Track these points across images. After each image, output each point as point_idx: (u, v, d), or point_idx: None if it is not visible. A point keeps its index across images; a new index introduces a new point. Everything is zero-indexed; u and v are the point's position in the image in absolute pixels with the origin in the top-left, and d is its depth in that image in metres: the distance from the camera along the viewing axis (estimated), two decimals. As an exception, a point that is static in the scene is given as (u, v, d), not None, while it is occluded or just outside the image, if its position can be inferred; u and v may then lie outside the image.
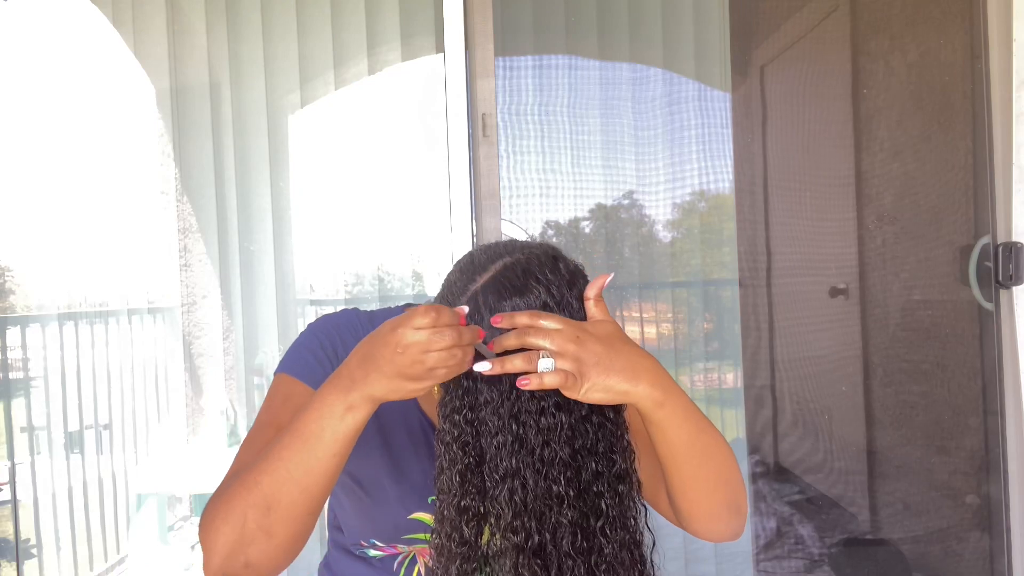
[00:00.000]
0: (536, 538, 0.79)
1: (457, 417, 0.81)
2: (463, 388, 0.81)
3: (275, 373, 0.95)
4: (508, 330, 0.78)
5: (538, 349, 0.75)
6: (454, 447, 0.81)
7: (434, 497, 0.96)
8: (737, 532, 0.92)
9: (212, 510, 0.78)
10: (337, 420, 0.75)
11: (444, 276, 0.90)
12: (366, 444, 0.98)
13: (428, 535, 0.97)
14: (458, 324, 0.74)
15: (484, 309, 0.79)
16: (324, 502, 0.79)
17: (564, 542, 0.80)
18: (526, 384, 0.74)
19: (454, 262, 0.91)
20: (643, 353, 0.80)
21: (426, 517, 0.98)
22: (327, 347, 0.95)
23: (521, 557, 0.79)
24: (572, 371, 0.75)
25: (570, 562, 0.80)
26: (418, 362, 0.72)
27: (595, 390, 0.76)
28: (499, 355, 0.77)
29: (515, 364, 0.75)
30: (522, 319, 0.77)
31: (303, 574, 2.07)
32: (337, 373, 0.77)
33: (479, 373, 0.76)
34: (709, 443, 0.85)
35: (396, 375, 0.73)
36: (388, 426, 0.99)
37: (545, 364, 0.75)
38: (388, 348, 0.72)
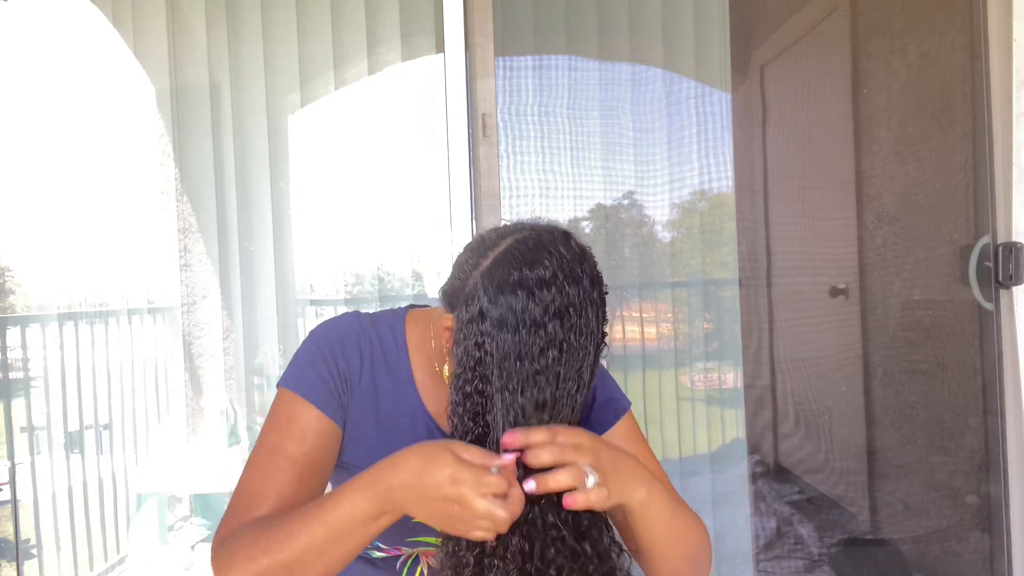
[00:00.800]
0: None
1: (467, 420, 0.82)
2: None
3: (278, 385, 0.95)
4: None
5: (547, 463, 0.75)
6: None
7: None
8: None
9: (233, 550, 0.80)
10: (370, 523, 0.76)
11: (449, 269, 0.90)
12: (370, 445, 0.97)
13: (434, 538, 0.97)
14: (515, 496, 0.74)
15: (492, 284, 0.79)
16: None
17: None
18: (573, 504, 0.75)
19: (454, 262, 0.91)
20: (625, 453, 0.84)
21: None
22: (330, 363, 0.94)
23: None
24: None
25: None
26: (465, 521, 0.72)
27: (613, 499, 0.79)
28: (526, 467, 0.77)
29: (561, 481, 0.75)
30: (538, 437, 0.76)
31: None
32: (375, 478, 0.76)
33: (525, 492, 0.75)
34: (681, 524, 0.90)
35: (437, 516, 0.73)
36: (393, 428, 0.99)
37: (591, 480, 0.75)
38: (441, 500, 0.72)
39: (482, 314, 0.80)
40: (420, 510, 0.73)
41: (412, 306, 1.07)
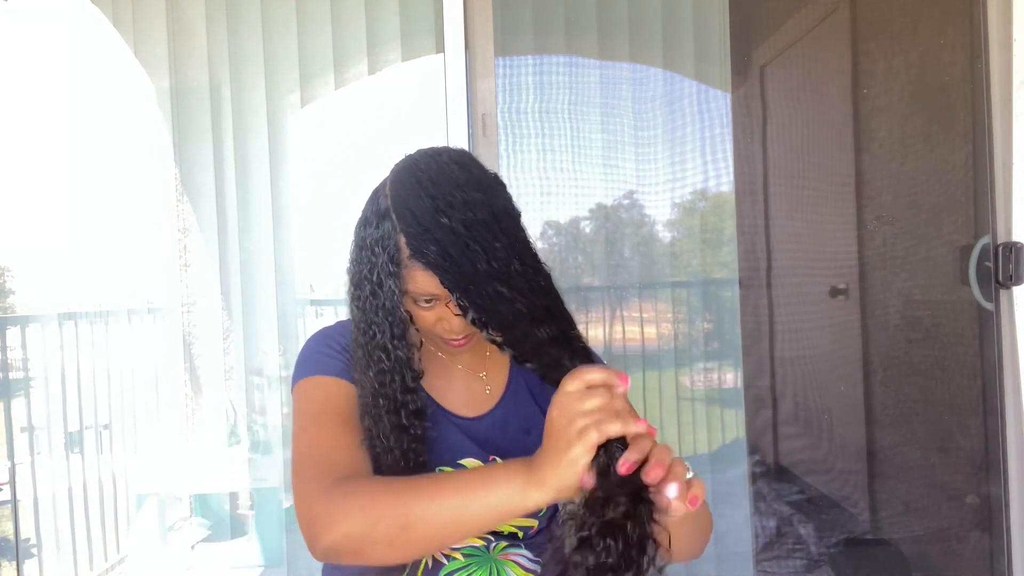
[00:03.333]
0: None
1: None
2: None
3: (293, 386, 1.01)
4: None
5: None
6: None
7: (441, 467, 1.00)
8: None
9: (347, 493, 0.82)
10: (516, 493, 0.76)
11: None
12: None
13: None
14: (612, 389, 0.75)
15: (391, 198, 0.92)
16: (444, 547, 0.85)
17: None
18: (678, 494, 0.73)
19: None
20: None
21: None
22: (332, 345, 1.02)
23: None
24: None
25: None
26: (572, 423, 0.73)
27: None
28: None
29: (678, 472, 0.74)
30: (665, 455, 0.75)
31: (305, 570, 2.07)
32: (523, 463, 0.78)
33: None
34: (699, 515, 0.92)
35: (561, 450, 0.73)
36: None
37: (691, 474, 0.75)
38: (549, 424, 0.75)
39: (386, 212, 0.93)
40: (549, 457, 0.74)
41: None
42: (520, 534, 1.05)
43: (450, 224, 0.86)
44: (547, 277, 0.89)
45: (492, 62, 1.79)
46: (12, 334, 2.22)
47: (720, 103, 2.11)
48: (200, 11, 2.09)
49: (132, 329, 2.38)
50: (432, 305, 0.94)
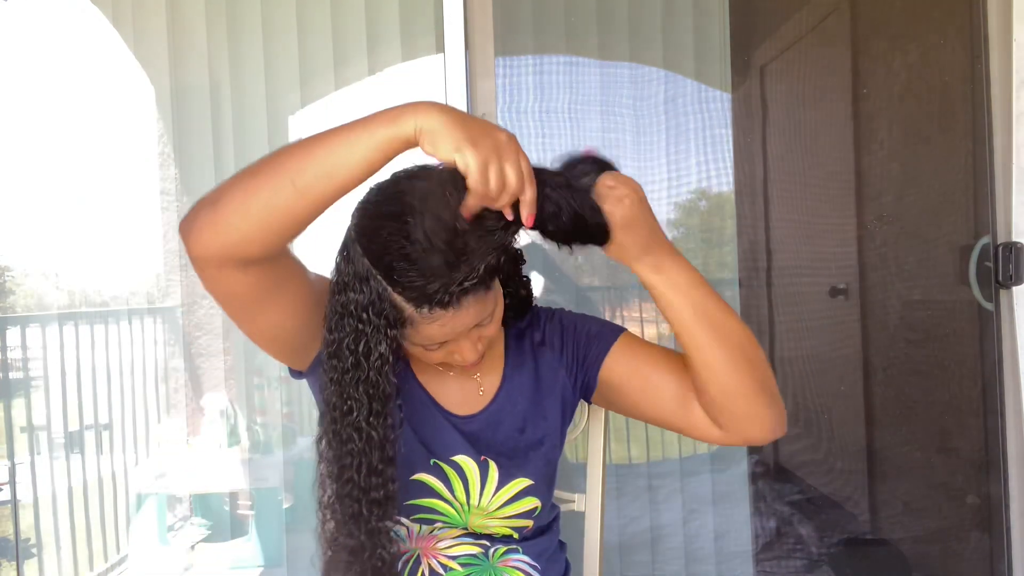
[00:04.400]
0: None
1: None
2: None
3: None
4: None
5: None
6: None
7: (436, 460, 1.00)
8: (777, 423, 0.93)
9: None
10: (381, 123, 0.77)
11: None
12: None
13: (431, 499, 1.00)
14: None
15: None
16: (317, 200, 0.80)
17: None
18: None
19: None
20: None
21: (428, 478, 1.00)
22: None
23: None
24: None
25: None
26: (504, 159, 0.77)
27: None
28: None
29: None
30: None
31: (305, 570, 2.07)
32: (401, 110, 0.78)
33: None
34: (720, 317, 0.92)
35: (476, 135, 0.76)
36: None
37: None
38: (492, 127, 0.78)
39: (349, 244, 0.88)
40: (461, 128, 0.75)
41: None
42: (515, 535, 1.04)
43: (425, 236, 0.78)
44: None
45: (492, 62, 1.79)
46: (12, 334, 2.22)
47: (720, 103, 2.11)
48: (200, 11, 2.09)
49: (132, 329, 2.38)
50: (445, 345, 0.90)
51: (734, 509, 2.09)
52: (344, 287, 0.86)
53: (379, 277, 0.82)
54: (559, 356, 1.07)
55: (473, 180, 0.76)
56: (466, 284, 0.81)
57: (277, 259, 0.86)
